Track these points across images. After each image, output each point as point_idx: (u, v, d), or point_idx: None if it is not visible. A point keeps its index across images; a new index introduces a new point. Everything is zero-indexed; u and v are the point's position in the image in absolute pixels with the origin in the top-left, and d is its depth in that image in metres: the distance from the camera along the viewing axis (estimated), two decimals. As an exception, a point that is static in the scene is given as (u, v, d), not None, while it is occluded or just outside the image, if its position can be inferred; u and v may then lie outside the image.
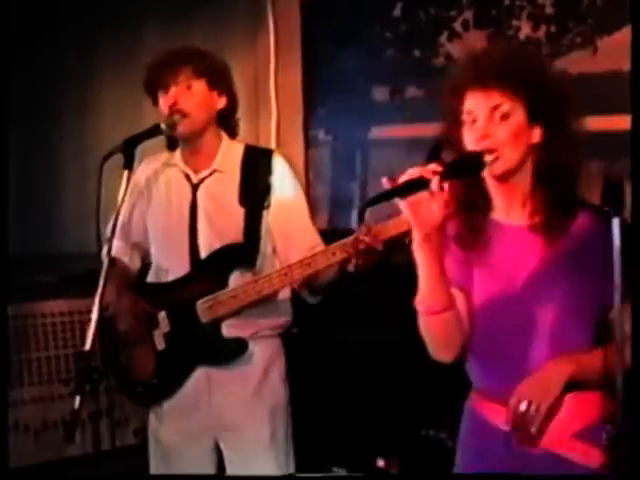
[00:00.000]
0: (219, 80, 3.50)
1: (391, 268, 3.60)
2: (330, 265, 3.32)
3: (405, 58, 5.30)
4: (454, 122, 2.55)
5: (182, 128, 3.41)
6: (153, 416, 3.67)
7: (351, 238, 3.25)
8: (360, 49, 5.31)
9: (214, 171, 3.53)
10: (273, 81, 5.55)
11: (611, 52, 4.57)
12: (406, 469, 4.16)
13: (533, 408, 2.46)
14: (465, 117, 2.51)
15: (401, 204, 2.34)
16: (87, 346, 2.97)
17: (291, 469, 3.59)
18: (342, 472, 4.15)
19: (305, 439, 3.74)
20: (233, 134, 3.62)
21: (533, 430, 2.48)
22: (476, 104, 2.49)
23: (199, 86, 3.44)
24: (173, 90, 3.40)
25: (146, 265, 3.73)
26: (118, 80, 5.82)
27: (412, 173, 2.32)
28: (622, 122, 4.54)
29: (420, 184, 2.31)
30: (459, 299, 2.60)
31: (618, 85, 4.51)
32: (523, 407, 2.46)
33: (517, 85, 2.47)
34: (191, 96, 3.42)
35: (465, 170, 2.46)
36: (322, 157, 5.54)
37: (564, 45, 4.70)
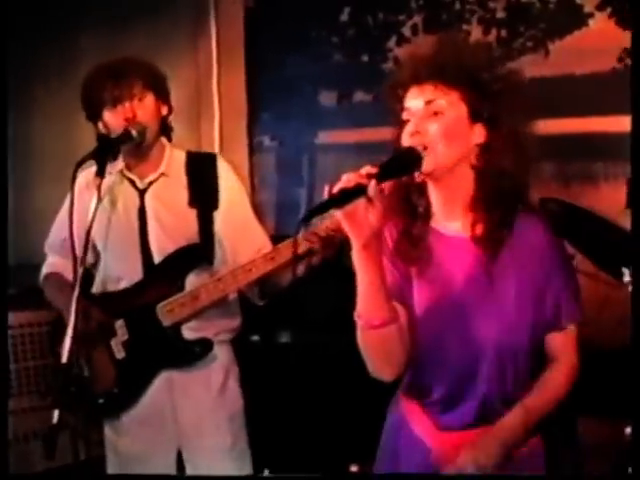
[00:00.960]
0: (163, 90, 3.52)
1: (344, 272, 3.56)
2: (292, 258, 3.26)
3: (353, 63, 5.31)
4: (397, 123, 2.43)
5: (144, 139, 3.41)
6: (109, 428, 3.58)
7: (311, 230, 3.21)
8: (306, 54, 5.31)
9: (161, 175, 3.51)
10: (216, 86, 5.49)
11: (563, 56, 4.65)
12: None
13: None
14: (404, 116, 2.40)
15: (337, 214, 2.18)
16: (64, 359, 2.91)
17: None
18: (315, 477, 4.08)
19: (275, 446, 3.67)
20: (170, 139, 3.62)
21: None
22: (412, 100, 2.38)
23: (149, 98, 3.43)
24: (128, 104, 3.37)
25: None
26: (51, 90, 5.71)
27: (347, 180, 2.15)
28: (574, 125, 4.62)
29: (357, 191, 2.15)
30: (401, 313, 2.42)
31: (570, 88, 4.58)
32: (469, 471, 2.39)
33: (453, 79, 2.36)
34: (144, 108, 3.41)
35: (401, 168, 2.31)
36: (268, 163, 5.50)
37: (515, 49, 4.75)
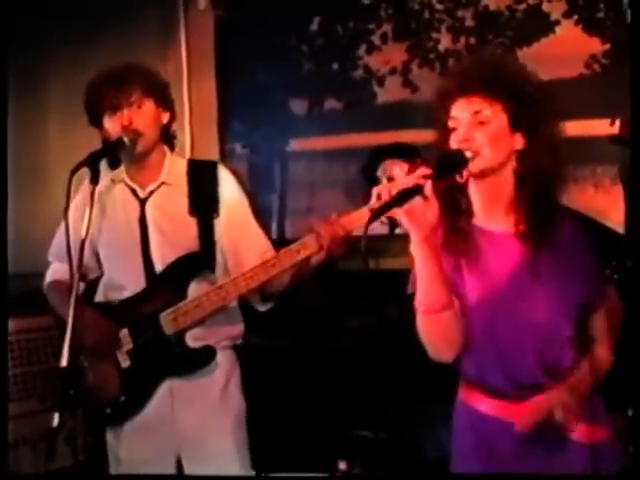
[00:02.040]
0: (164, 97, 3.52)
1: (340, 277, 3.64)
2: (295, 264, 3.33)
3: (323, 71, 5.41)
4: (443, 130, 2.62)
5: (137, 147, 3.41)
6: (111, 435, 3.58)
7: (312, 235, 3.26)
8: (277, 63, 5.39)
9: (162, 184, 3.51)
10: (187, 95, 5.55)
11: (530, 63, 4.71)
12: (370, 470, 4.19)
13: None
14: (451, 124, 2.60)
15: (398, 213, 2.39)
16: (63, 362, 2.94)
17: None
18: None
19: (265, 446, 3.72)
20: (172, 147, 3.63)
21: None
22: (459, 111, 2.59)
23: (149, 105, 3.44)
24: (126, 111, 3.38)
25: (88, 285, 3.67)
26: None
27: (406, 182, 2.37)
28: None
29: (415, 191, 2.37)
30: (455, 302, 2.62)
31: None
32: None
33: (498, 92, 2.56)
34: (142, 115, 3.41)
35: (450, 168, 2.52)
36: (239, 170, 5.54)
37: (484, 57, 4.86)
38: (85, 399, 3.46)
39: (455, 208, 2.64)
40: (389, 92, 5.20)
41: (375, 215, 2.35)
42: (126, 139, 3.35)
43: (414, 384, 4.02)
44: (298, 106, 5.46)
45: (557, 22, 4.75)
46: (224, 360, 3.51)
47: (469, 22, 4.98)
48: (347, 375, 4.32)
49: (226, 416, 3.50)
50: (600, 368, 2.66)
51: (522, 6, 4.84)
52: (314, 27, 5.41)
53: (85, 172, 3.23)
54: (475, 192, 2.64)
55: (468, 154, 2.51)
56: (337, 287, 4.38)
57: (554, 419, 2.56)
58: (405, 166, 2.64)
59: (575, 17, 4.72)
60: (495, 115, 2.55)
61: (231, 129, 5.60)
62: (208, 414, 3.48)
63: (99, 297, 3.58)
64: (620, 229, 4.36)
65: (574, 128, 4.59)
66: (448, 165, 2.50)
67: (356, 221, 3.22)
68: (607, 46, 4.69)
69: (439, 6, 5.04)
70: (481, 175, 2.56)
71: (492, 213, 2.64)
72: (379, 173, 4.49)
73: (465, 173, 2.52)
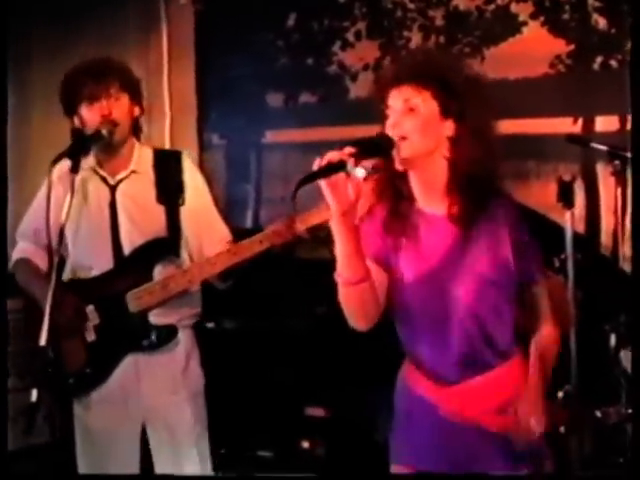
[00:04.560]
0: (137, 92, 3.73)
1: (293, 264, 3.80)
2: (256, 254, 3.52)
3: (299, 66, 5.56)
4: (382, 119, 2.77)
5: (114, 137, 3.59)
6: (79, 406, 3.77)
7: (273, 228, 3.48)
8: (254, 57, 5.52)
9: (132, 172, 3.70)
10: (166, 85, 5.69)
11: (498, 61, 4.92)
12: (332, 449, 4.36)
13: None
14: (387, 113, 2.75)
15: (322, 184, 2.53)
16: (42, 341, 3.12)
17: (207, 453, 3.76)
18: (268, 455, 4.28)
19: (228, 425, 3.87)
20: (139, 138, 3.82)
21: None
22: (393, 100, 2.74)
23: (124, 99, 3.63)
24: (105, 102, 3.57)
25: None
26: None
27: (332, 156, 2.51)
28: (507, 126, 4.84)
29: (339, 166, 2.50)
30: (381, 276, 2.79)
31: (504, 92, 4.84)
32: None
33: (427, 81, 2.71)
34: (119, 107, 3.60)
35: (375, 149, 2.65)
36: (216, 160, 5.71)
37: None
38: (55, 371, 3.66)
39: (397, 193, 2.81)
40: (362, 87, 5.33)
41: (302, 181, 2.48)
42: (104, 130, 3.53)
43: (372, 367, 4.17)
44: (274, 99, 5.61)
45: (524, 23, 4.90)
46: (185, 337, 3.73)
47: (439, 21, 5.12)
48: (305, 357, 4.48)
49: (186, 389, 3.72)
50: (550, 346, 2.85)
51: (491, 7, 4.98)
52: (290, 23, 5.56)
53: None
54: (413, 177, 2.79)
55: (397, 141, 2.65)
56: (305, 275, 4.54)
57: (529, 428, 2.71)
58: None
59: (541, 18, 4.86)
60: (424, 102, 2.70)
61: (209, 120, 5.75)
62: (170, 386, 3.69)
63: (66, 275, 3.75)
64: (580, 224, 4.56)
65: (538, 126, 4.85)
66: (372, 146, 2.63)
67: (315, 218, 3.41)
68: (571, 47, 4.83)
69: (411, 5, 5.18)
70: (411, 161, 2.71)
71: (430, 197, 2.80)
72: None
73: (396, 158, 2.67)
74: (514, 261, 2.77)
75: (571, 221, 2.68)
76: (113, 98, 3.57)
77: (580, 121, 4.81)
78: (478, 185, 2.74)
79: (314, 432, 4.39)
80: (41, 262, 3.78)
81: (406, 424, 2.91)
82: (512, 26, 4.94)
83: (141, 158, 3.71)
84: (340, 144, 4.90)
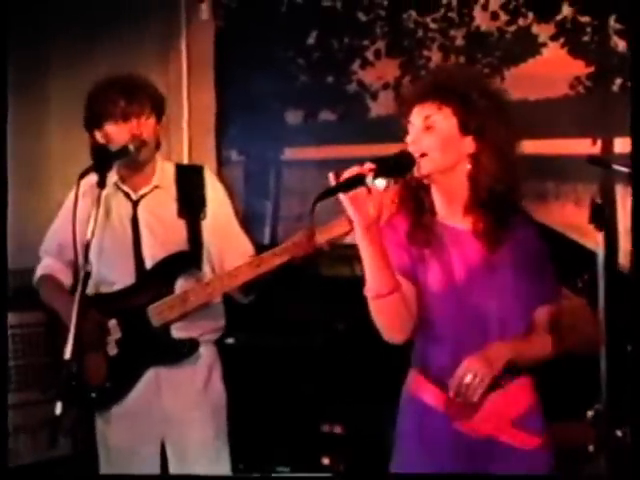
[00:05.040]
0: (162, 111, 3.78)
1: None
2: (278, 266, 3.54)
3: (318, 84, 5.59)
4: (404, 135, 2.81)
5: (140, 155, 3.63)
6: (100, 420, 3.79)
7: (294, 240, 3.52)
8: (274, 74, 5.53)
9: (155, 187, 3.73)
10: (186, 102, 5.71)
11: (518, 82, 4.93)
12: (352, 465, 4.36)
13: (477, 380, 2.69)
14: (409, 129, 2.79)
15: (342, 198, 2.56)
16: (67, 355, 3.19)
17: (228, 468, 3.77)
18: (286, 471, 4.29)
19: (247, 441, 3.87)
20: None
21: (475, 399, 2.71)
22: (415, 117, 2.78)
23: (152, 118, 3.67)
24: (135, 121, 3.60)
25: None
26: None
27: (351, 171, 2.55)
28: (527, 147, 4.88)
29: (358, 180, 2.53)
30: (407, 288, 2.80)
31: (524, 112, 4.85)
32: (468, 379, 2.69)
33: (447, 97, 2.74)
34: (148, 127, 3.64)
35: (396, 167, 2.69)
36: (235, 176, 5.71)
37: (473, 75, 5.03)
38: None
39: (419, 206, 2.84)
40: (382, 106, 5.36)
41: (320, 196, 2.52)
42: (131, 147, 3.56)
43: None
44: (293, 116, 5.64)
45: (544, 44, 4.93)
46: (207, 352, 3.76)
47: (459, 41, 5.15)
48: (324, 372, 4.49)
49: (208, 404, 3.75)
50: (541, 350, 2.83)
51: (512, 28, 5.01)
52: (311, 41, 5.59)
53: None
54: (435, 190, 2.83)
55: (418, 158, 2.69)
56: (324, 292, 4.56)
57: (469, 385, 2.70)
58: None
59: (562, 40, 4.89)
60: (444, 119, 2.74)
61: (228, 136, 5.77)
62: (192, 401, 3.72)
63: (89, 290, 3.70)
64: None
65: (557, 147, 4.87)
66: (392, 164, 2.66)
67: (335, 231, 3.44)
68: (591, 69, 4.86)
69: (433, 25, 5.21)
70: (431, 177, 2.75)
71: (451, 211, 2.83)
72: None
73: (417, 173, 2.71)
74: (529, 280, 2.80)
75: (604, 243, 2.69)
76: (144, 117, 3.61)
77: (599, 142, 4.83)
78: (499, 202, 2.77)
79: (333, 448, 4.40)
80: (65, 278, 3.82)
81: (416, 435, 2.90)
82: (532, 47, 4.96)
83: (164, 173, 3.75)
84: (359, 162, 4.97)
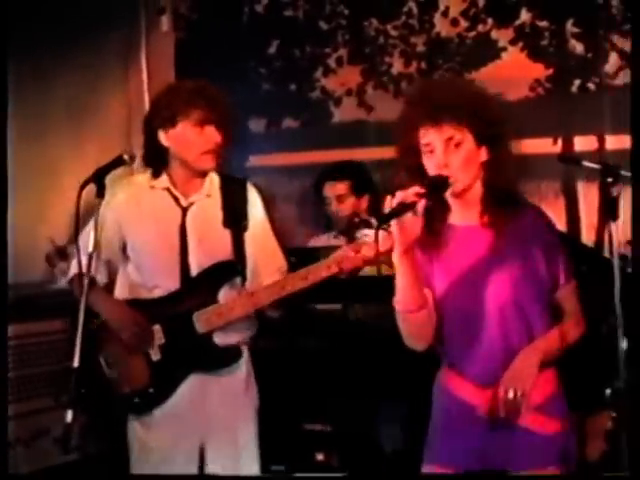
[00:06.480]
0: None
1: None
2: (323, 278, 3.61)
3: (281, 92, 5.69)
4: (412, 152, 2.92)
5: (212, 164, 3.71)
6: (140, 426, 3.79)
7: (341, 253, 3.61)
8: (237, 84, 5.55)
9: (206, 196, 3.77)
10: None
11: (479, 86, 5.09)
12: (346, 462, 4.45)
13: (519, 394, 2.84)
14: (423, 148, 2.89)
15: (392, 223, 2.71)
16: (75, 363, 3.16)
17: (258, 469, 3.84)
18: (281, 469, 4.33)
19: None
20: None
21: (521, 413, 2.86)
22: (432, 137, 2.87)
23: (224, 129, 3.72)
24: (213, 128, 3.67)
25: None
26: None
27: (405, 197, 2.69)
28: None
29: (411, 206, 2.69)
30: (428, 295, 2.94)
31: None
32: (510, 395, 2.84)
33: (464, 117, 2.86)
34: (217, 137, 3.69)
35: (437, 190, 2.84)
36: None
37: (434, 80, 5.17)
38: (108, 391, 3.75)
39: (432, 214, 2.91)
40: (345, 112, 5.52)
41: (381, 221, 2.67)
42: (126, 156, 3.43)
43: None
44: (257, 124, 5.73)
45: (504, 48, 5.13)
46: (245, 358, 3.82)
47: (420, 48, 5.31)
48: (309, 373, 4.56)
49: (249, 408, 3.83)
50: (566, 339, 2.95)
51: (472, 33, 5.19)
52: (273, 50, 5.69)
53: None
54: (453, 201, 2.95)
55: (451, 180, 2.82)
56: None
57: (513, 400, 2.84)
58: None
59: (521, 44, 5.08)
60: (464, 137, 2.85)
61: (192, 145, 5.79)
62: (233, 406, 3.78)
63: (123, 294, 3.82)
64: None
65: (520, 146, 5.01)
66: (436, 187, 2.81)
67: (382, 246, 3.50)
68: (550, 71, 5.08)
69: (394, 32, 5.36)
70: (461, 194, 2.89)
71: (464, 213, 2.95)
72: (324, 193, 4.83)
73: (449, 192, 2.86)
74: (544, 264, 2.92)
75: (616, 233, 2.85)
76: (220, 126, 3.68)
77: (560, 141, 5.02)
78: (507, 196, 2.92)
79: (325, 445, 4.46)
80: (99, 277, 3.80)
81: (446, 425, 3.02)
82: (492, 51, 5.16)
83: (211, 182, 3.79)
84: (322, 167, 5.08)
